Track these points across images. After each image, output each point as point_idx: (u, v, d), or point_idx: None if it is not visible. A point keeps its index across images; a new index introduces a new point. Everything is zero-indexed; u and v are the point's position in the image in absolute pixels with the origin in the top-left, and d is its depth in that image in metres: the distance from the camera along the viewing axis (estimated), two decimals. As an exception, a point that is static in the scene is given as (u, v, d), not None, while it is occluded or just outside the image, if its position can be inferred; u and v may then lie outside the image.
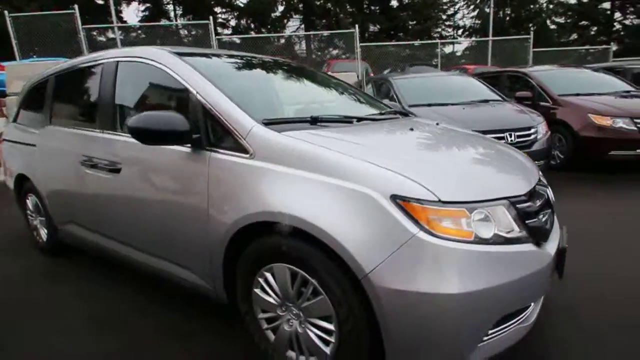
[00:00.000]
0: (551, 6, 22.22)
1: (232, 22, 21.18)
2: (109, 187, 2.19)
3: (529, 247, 1.39)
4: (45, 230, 3.07)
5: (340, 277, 1.34)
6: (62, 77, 2.78)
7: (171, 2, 20.38)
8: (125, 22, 18.30)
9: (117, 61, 2.28)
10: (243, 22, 20.66)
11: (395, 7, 21.69)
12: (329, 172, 1.39)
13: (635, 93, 5.39)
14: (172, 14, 21.08)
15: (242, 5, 18.99)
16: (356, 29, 9.37)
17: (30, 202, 3.17)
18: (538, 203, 1.54)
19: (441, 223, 1.26)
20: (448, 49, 19.42)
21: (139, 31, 14.64)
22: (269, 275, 1.56)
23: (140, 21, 19.73)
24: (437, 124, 2.29)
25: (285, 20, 21.59)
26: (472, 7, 23.11)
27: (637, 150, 4.58)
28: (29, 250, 3.28)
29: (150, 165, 1.95)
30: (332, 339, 1.43)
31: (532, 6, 21.86)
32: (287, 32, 21.11)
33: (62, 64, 2.91)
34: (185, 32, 17.89)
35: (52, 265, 2.99)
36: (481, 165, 1.65)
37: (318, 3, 19.29)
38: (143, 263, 2.17)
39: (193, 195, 1.75)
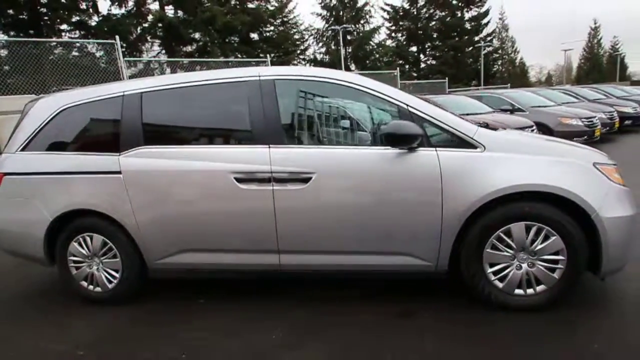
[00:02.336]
0: (380, 48, 27.52)
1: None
2: (290, 199, 2.27)
3: None
4: (117, 274, 2.62)
5: (570, 220, 2.06)
6: (163, 96, 2.55)
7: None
8: None
9: (274, 80, 2.39)
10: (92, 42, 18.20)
11: (256, 39, 22.94)
12: (553, 154, 2.13)
13: (498, 112, 7.78)
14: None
15: (94, 24, 16.76)
16: (268, 58, 9.96)
17: (82, 244, 2.63)
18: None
19: (614, 176, 2.15)
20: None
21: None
22: (503, 235, 2.13)
23: None
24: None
25: (141, 44, 20.08)
26: (321, 44, 26.51)
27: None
28: (74, 309, 2.68)
29: (365, 167, 2.21)
30: (559, 266, 2.12)
31: (366, 47, 26.63)
32: (146, 56, 19.67)
33: (142, 80, 2.65)
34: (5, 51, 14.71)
35: (153, 314, 2.57)
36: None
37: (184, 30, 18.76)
38: (336, 264, 2.33)
39: (421, 187, 2.15)
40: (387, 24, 30.61)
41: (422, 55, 31.03)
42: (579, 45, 48.16)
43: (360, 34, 26.35)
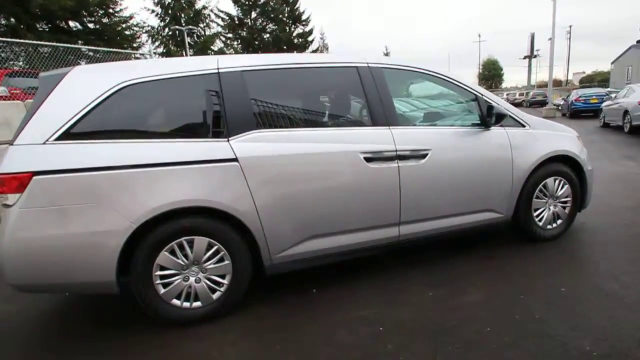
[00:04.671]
0: (221, 54, 27.20)
1: None
2: (412, 173, 2.57)
3: None
4: (225, 280, 2.30)
5: (573, 173, 3.12)
6: (268, 76, 2.38)
7: None
8: None
9: (382, 68, 2.63)
10: None
11: (78, 29, 19.18)
12: (560, 130, 3.16)
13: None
14: None
15: None
16: (150, 49, 8.58)
17: (175, 253, 2.17)
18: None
19: (582, 143, 3.36)
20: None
21: None
22: (542, 187, 3.03)
23: None
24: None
25: None
26: (157, 43, 24.17)
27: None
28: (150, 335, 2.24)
29: (463, 143, 2.73)
30: (568, 205, 3.16)
31: (209, 52, 25.90)
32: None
33: (228, 57, 2.37)
34: None
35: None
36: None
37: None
38: (443, 227, 2.74)
39: (500, 155, 2.84)
40: (224, 31, 30.54)
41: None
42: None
43: (202, 38, 25.43)
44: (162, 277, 2.17)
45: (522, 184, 2.93)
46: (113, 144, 2.08)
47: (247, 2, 32.30)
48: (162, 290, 2.18)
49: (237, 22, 31.62)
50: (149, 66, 2.30)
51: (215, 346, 2.05)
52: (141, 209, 2.05)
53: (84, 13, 18.72)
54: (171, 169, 2.12)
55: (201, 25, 25.71)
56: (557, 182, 3.09)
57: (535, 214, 3.07)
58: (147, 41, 23.88)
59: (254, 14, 33.06)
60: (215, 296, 2.29)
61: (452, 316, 2.17)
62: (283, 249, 2.37)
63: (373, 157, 2.46)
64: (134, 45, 23.41)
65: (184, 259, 2.19)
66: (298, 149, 2.33)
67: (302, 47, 35.84)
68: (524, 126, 2.99)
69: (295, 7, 35.25)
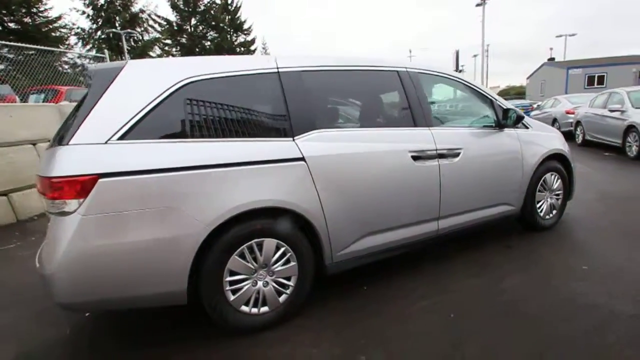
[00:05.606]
0: (162, 60, 25.89)
1: None
2: (449, 170, 2.76)
3: None
4: (290, 282, 2.27)
5: (563, 168, 3.57)
6: (324, 77, 2.42)
7: None
8: None
9: (418, 72, 2.80)
10: None
11: (4, 31, 17.08)
12: (551, 131, 3.59)
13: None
14: None
15: None
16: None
17: (245, 256, 2.10)
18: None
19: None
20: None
21: None
22: (543, 182, 3.41)
23: None
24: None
25: None
26: (90, 46, 22.31)
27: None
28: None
29: (485, 142, 2.99)
30: (561, 197, 3.60)
31: (147, 56, 24.48)
32: None
33: (284, 57, 2.37)
34: None
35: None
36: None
37: None
38: (470, 220, 2.96)
39: (513, 153, 3.16)
40: (162, 37, 29.16)
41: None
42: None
43: (140, 42, 23.99)
44: (232, 282, 2.08)
45: (529, 179, 3.28)
46: (180, 144, 1.97)
47: (186, 9, 31.26)
48: (231, 297, 2.08)
49: (176, 28, 30.40)
50: (210, 63, 2.20)
51: (297, 347, 2.02)
52: (216, 211, 1.95)
53: (4, 12, 16.75)
54: (244, 169, 2.05)
55: (138, 29, 24.25)
56: (553, 177, 3.50)
57: (537, 205, 3.45)
58: (76, 44, 21.96)
59: (193, 21, 32.07)
60: (281, 299, 2.24)
61: (504, 298, 2.37)
62: (343, 247, 2.40)
63: (419, 156, 2.61)
64: (62, 47, 21.42)
65: (253, 262, 2.12)
66: (357, 148, 2.40)
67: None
68: (528, 128, 3.37)
69: (237, 16, 34.85)
